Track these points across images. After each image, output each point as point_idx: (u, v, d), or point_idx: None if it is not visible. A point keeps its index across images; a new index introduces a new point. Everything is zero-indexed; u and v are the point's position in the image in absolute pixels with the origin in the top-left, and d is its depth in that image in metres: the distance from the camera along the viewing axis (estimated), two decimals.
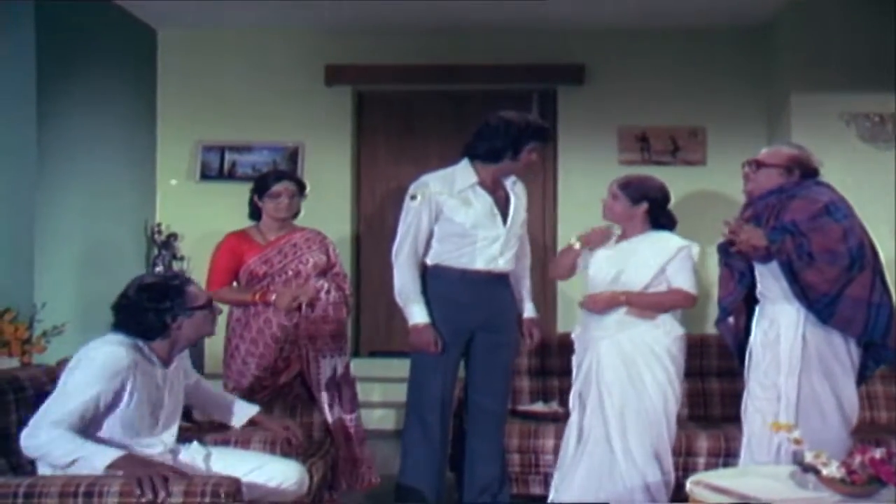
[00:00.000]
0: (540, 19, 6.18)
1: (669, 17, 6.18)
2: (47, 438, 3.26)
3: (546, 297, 6.57)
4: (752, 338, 4.20)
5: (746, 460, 4.16)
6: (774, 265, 4.02)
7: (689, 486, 3.58)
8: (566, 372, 5.30)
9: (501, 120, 4.41)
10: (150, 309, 3.48)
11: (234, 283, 4.73)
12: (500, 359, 4.58)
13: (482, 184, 4.42)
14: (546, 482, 4.88)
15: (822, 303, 3.94)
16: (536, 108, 6.44)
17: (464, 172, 4.43)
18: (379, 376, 6.05)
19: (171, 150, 6.56)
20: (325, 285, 4.67)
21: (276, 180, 4.77)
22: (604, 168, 6.35)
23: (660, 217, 4.47)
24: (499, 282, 4.51)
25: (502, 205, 4.47)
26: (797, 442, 3.58)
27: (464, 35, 6.37)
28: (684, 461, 4.67)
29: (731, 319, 4.37)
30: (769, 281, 4.11)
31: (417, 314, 4.36)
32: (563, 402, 5.27)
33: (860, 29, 5.89)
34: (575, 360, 4.57)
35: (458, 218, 4.36)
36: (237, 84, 6.55)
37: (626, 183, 4.47)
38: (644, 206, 4.41)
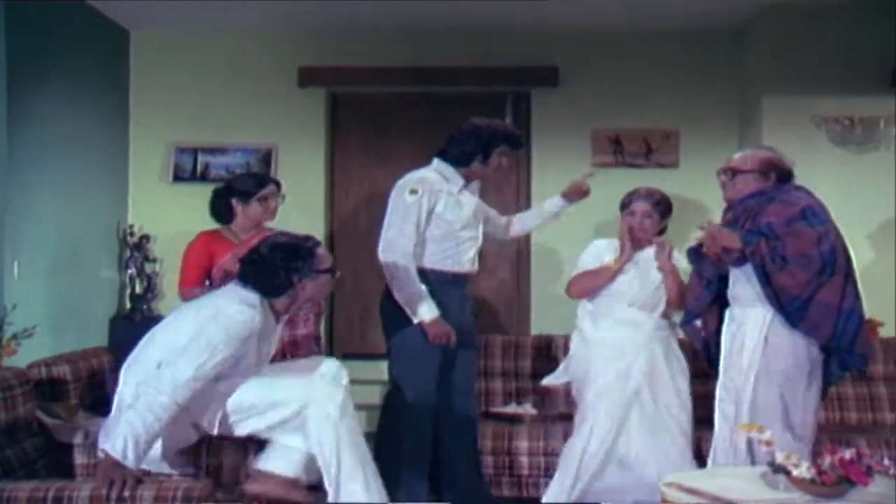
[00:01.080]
0: (514, 22, 6.18)
1: (643, 21, 6.20)
2: (168, 402, 3.38)
3: (520, 299, 6.59)
4: (722, 341, 4.23)
5: (710, 458, 4.22)
6: (748, 268, 4.05)
7: (661, 487, 3.60)
8: (539, 374, 5.33)
9: (473, 125, 4.48)
10: (281, 267, 3.67)
11: (207, 283, 4.72)
12: (471, 359, 4.61)
13: (467, 186, 4.48)
14: (520, 484, 4.91)
15: (793, 306, 3.97)
16: (510, 110, 6.45)
17: (451, 174, 4.45)
18: (352, 378, 6.01)
19: (144, 151, 6.52)
20: None
21: (261, 184, 4.80)
22: (577, 170, 6.34)
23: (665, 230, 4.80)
24: (468, 282, 4.58)
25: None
26: (768, 443, 3.61)
27: (438, 37, 6.37)
28: None
29: (698, 323, 4.41)
30: (742, 284, 4.14)
31: (428, 309, 4.31)
32: (536, 403, 5.31)
33: (831, 34, 5.94)
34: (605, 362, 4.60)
35: (449, 217, 4.38)
36: (210, 85, 6.52)
37: (657, 201, 4.67)
38: (667, 220, 4.72)
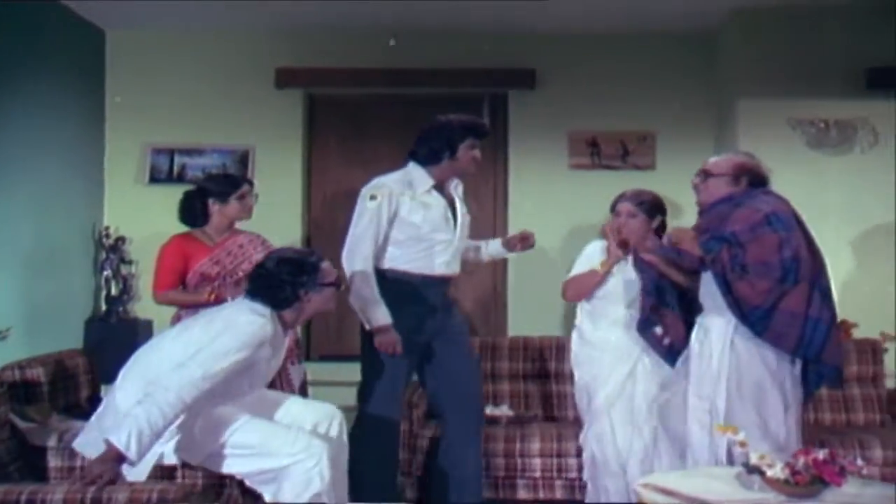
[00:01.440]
0: (491, 24, 6.19)
1: (620, 23, 6.22)
2: (177, 404, 3.46)
3: (496, 302, 6.59)
4: (690, 347, 4.24)
5: (690, 466, 4.19)
6: (711, 276, 4.05)
7: (637, 488, 3.61)
8: (516, 375, 5.34)
9: (435, 122, 4.47)
10: (287, 281, 3.79)
11: (181, 287, 4.69)
12: (461, 358, 4.57)
13: (437, 187, 4.44)
14: (497, 485, 4.91)
15: (755, 315, 3.92)
16: (487, 111, 6.45)
17: (419, 175, 4.42)
18: (329, 380, 6.01)
19: (120, 152, 6.48)
20: None
21: (237, 184, 4.80)
22: (554, 172, 6.41)
23: (663, 230, 4.62)
24: (448, 285, 4.54)
25: (451, 209, 4.49)
26: (742, 444, 3.63)
27: (415, 39, 6.36)
28: None
29: (658, 330, 4.43)
30: (706, 292, 4.15)
31: (380, 316, 4.28)
32: (513, 405, 5.31)
33: (806, 37, 5.98)
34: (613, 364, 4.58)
35: (415, 219, 4.34)
36: (187, 86, 6.49)
37: (641, 200, 4.60)
38: (658, 219, 4.59)
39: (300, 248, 4.06)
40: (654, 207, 4.64)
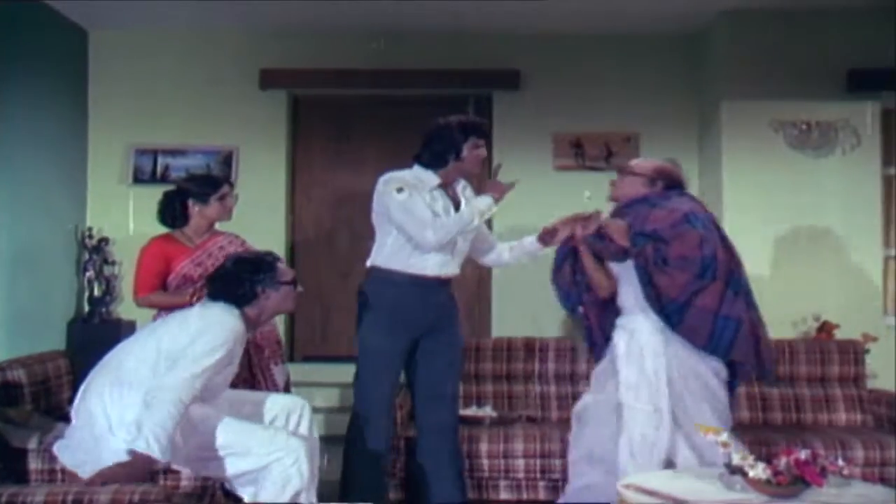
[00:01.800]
0: (476, 25, 6.20)
1: (604, 25, 6.24)
2: (176, 408, 3.60)
3: (480, 302, 6.60)
4: (615, 348, 4.24)
5: (628, 467, 4.09)
6: (631, 273, 4.11)
7: (619, 488, 3.62)
8: (499, 376, 5.34)
9: (437, 125, 4.45)
10: (246, 279, 3.94)
11: (163, 289, 4.67)
12: (447, 361, 4.55)
13: (442, 186, 4.43)
14: (479, 485, 4.91)
15: (671, 309, 4.00)
16: (472, 112, 6.44)
17: (426, 176, 4.42)
18: (314, 381, 6.01)
19: (103, 153, 6.46)
20: None
21: (217, 184, 4.78)
22: (538, 173, 6.41)
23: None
24: (444, 286, 4.50)
25: (454, 209, 4.48)
26: (724, 445, 3.64)
27: (400, 40, 6.37)
28: None
29: (581, 308, 4.45)
30: (626, 291, 4.21)
31: (476, 204, 4.35)
32: (496, 406, 5.31)
33: (789, 39, 6.02)
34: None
35: None
36: (171, 87, 6.48)
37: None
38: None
39: (257, 249, 4.33)
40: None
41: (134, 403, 3.68)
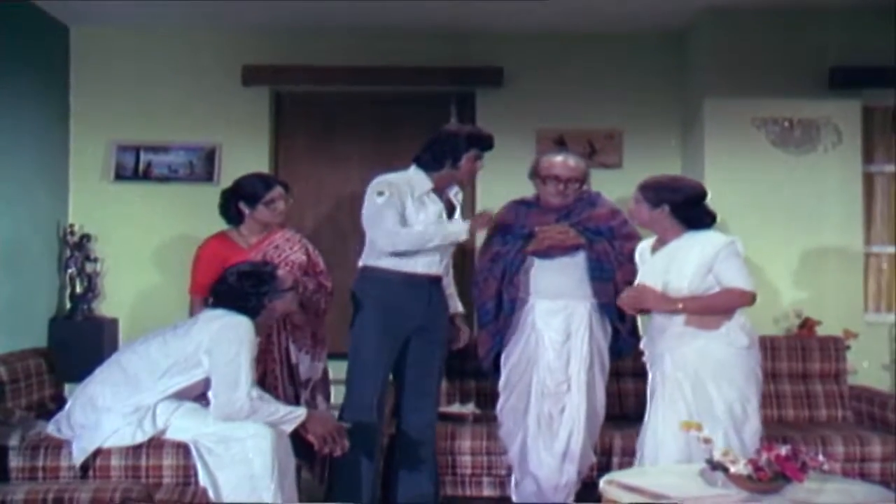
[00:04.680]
0: (458, 22, 6.19)
1: (587, 21, 6.24)
2: (250, 403, 3.93)
3: (465, 301, 6.58)
4: (546, 331, 4.62)
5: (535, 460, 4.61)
6: (564, 261, 4.57)
7: (602, 484, 3.63)
8: (483, 374, 5.35)
9: (444, 130, 4.61)
10: (252, 293, 4.13)
11: None
12: (434, 360, 4.62)
13: (435, 191, 4.50)
14: (463, 483, 4.92)
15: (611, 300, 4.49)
16: (455, 110, 6.46)
17: (420, 178, 4.49)
18: None
19: (85, 149, 6.42)
20: (310, 285, 4.65)
21: (268, 187, 4.72)
22: (521, 170, 6.39)
23: (690, 217, 4.30)
24: (435, 284, 4.57)
25: (447, 213, 4.59)
26: (706, 441, 3.65)
27: (382, 37, 6.35)
28: (598, 461, 4.75)
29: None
30: (556, 278, 4.59)
31: (452, 228, 4.50)
32: (480, 403, 5.32)
33: (771, 36, 6.03)
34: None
35: (412, 219, 4.44)
36: (152, 83, 6.44)
37: (645, 185, 4.40)
38: (665, 208, 4.27)
39: (253, 260, 4.47)
40: (656, 195, 4.34)
41: (133, 402, 3.89)
